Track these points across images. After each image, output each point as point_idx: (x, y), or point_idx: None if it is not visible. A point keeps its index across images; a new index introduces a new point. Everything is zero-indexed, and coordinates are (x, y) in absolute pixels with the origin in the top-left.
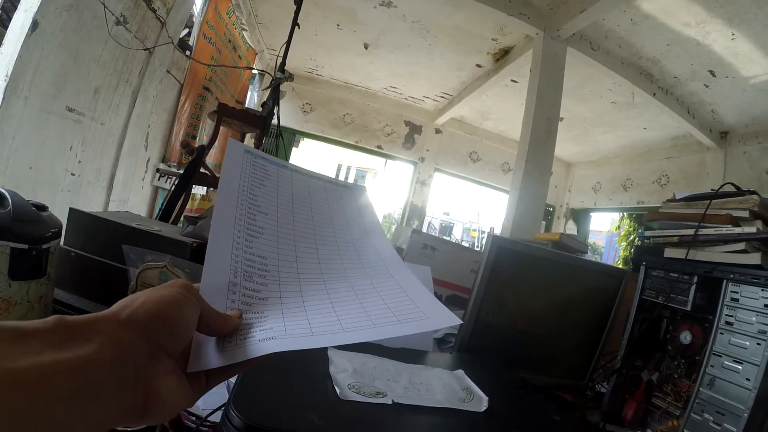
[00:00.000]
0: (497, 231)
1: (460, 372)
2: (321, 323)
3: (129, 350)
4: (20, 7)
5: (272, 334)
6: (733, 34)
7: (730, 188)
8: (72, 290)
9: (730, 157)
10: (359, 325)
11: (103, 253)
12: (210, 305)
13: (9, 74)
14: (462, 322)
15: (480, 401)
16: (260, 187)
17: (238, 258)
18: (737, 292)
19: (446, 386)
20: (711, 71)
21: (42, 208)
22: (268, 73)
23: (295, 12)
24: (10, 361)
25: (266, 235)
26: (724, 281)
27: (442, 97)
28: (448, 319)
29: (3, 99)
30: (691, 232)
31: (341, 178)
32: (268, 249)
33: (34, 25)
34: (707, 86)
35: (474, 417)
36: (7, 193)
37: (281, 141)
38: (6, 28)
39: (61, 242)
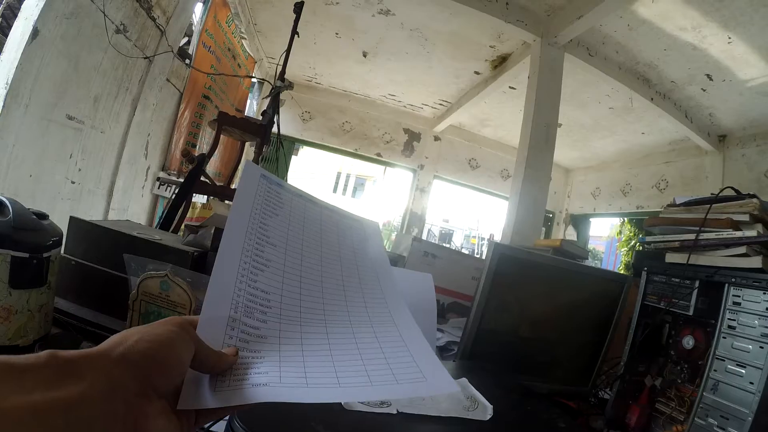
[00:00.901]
0: (497, 238)
1: (464, 380)
2: (317, 374)
3: (119, 389)
4: (20, 15)
5: (266, 380)
6: (729, 38)
7: (729, 192)
8: (73, 299)
9: (729, 160)
10: (356, 381)
11: (103, 262)
12: (205, 343)
13: (9, 82)
14: (458, 389)
15: (484, 410)
16: (272, 216)
17: (241, 292)
18: (739, 296)
19: (450, 395)
20: (708, 75)
21: (42, 216)
22: (268, 82)
23: (294, 21)
24: (2, 400)
25: (272, 269)
26: (726, 285)
27: (441, 104)
28: (445, 384)
29: (3, 107)
30: (691, 236)
31: (340, 185)
32: (273, 284)
33: (35, 33)
34: (704, 90)
35: (479, 426)
36: (7, 202)
37: (281, 149)
38: (6, 35)
39: (62, 251)
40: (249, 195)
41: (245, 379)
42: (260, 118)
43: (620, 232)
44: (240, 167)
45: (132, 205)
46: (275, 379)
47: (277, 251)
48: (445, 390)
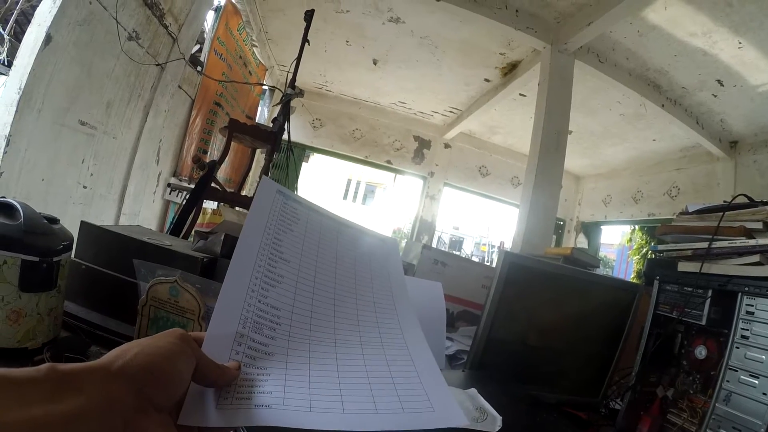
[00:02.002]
0: (508, 245)
1: (473, 390)
2: (322, 398)
3: (118, 403)
4: (34, 22)
5: (270, 401)
6: (739, 43)
7: (742, 199)
8: (82, 303)
9: (740, 166)
10: (361, 408)
11: (113, 267)
12: (207, 356)
13: (22, 87)
14: (468, 422)
15: (494, 421)
16: (287, 232)
17: (250, 307)
18: (752, 305)
19: (459, 405)
20: (719, 80)
21: (53, 220)
22: (279, 89)
23: (305, 28)
24: (2, 414)
25: (284, 285)
26: (739, 294)
27: (451, 111)
28: (454, 417)
29: (16, 111)
30: (704, 245)
31: (350, 192)
32: (284, 300)
33: (48, 39)
34: (715, 96)
35: None
36: (18, 206)
37: (292, 156)
38: (20, 41)
39: (72, 255)
40: (263, 210)
41: (249, 398)
42: (271, 125)
43: (631, 240)
44: (251, 174)
45: (143, 210)
46: (278, 401)
47: (290, 267)
48: (453, 424)
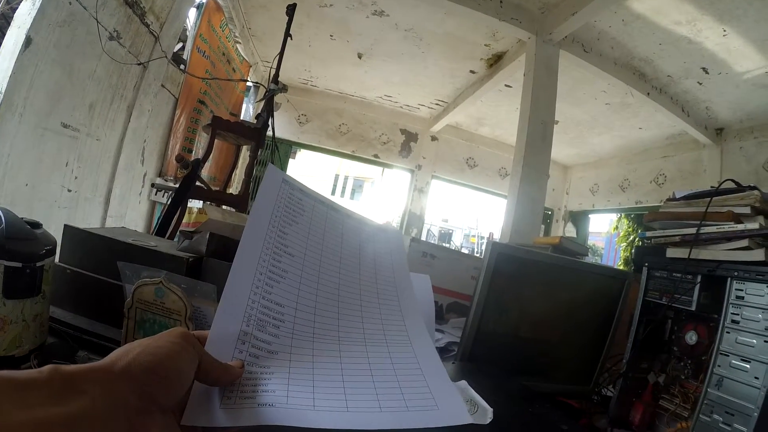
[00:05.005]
0: (496, 236)
1: (464, 383)
2: (325, 396)
3: (121, 404)
4: (13, 24)
5: (273, 400)
6: (724, 31)
7: (730, 184)
8: (68, 308)
9: (727, 153)
10: (365, 406)
11: (98, 270)
12: (209, 354)
13: (3, 91)
14: (472, 421)
15: (485, 413)
16: (292, 224)
17: (254, 304)
18: (742, 290)
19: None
20: (704, 68)
21: (36, 225)
22: (262, 85)
23: (287, 23)
24: (5, 416)
25: (288, 281)
26: (729, 279)
27: (437, 104)
28: (459, 415)
29: None
30: (692, 231)
31: (339, 187)
32: (288, 297)
33: (28, 41)
34: (701, 83)
35: (479, 430)
36: None
37: (277, 152)
38: None
39: (57, 259)
40: (269, 201)
41: (252, 396)
42: (255, 121)
43: (617, 227)
44: (236, 172)
45: (129, 211)
46: (282, 400)
47: (295, 261)
48: (457, 422)
